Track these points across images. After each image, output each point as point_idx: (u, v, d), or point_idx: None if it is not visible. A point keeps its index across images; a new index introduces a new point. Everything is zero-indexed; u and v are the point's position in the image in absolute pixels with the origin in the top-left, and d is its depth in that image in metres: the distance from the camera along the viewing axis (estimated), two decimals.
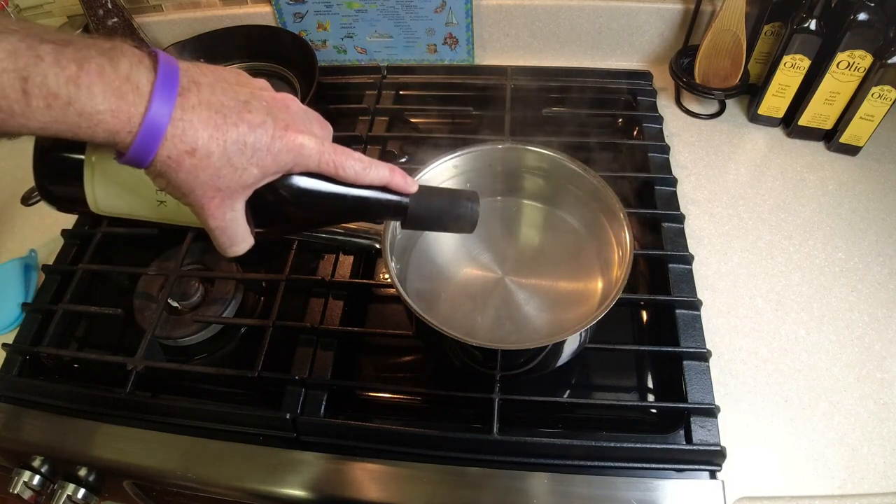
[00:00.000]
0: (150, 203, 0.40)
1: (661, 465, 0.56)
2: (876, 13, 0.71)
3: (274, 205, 0.39)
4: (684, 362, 0.61)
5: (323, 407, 0.61)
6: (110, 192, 0.38)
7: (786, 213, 0.77)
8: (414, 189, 0.44)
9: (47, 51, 0.29)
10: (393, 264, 0.55)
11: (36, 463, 0.64)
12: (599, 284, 0.60)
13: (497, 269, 0.62)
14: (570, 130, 0.86)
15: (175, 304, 0.70)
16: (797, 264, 0.72)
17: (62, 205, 0.41)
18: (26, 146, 0.98)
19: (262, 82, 0.39)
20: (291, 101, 0.38)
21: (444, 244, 0.64)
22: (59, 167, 0.38)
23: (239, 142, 0.34)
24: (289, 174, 0.38)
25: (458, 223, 0.46)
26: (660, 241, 0.71)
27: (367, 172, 0.40)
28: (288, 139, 0.36)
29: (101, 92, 0.30)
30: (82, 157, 0.37)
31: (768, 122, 0.87)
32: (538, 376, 0.62)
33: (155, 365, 0.65)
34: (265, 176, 0.37)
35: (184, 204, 0.36)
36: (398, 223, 0.46)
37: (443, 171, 0.63)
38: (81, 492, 0.63)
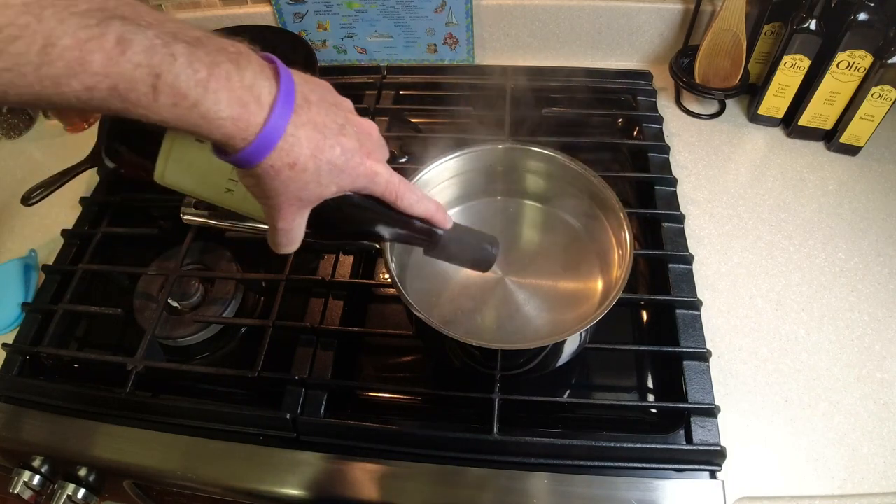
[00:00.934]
0: (216, 188, 0.42)
1: (661, 465, 0.56)
2: (876, 13, 0.71)
3: (330, 215, 0.42)
4: (684, 362, 0.61)
5: (323, 407, 0.61)
6: (181, 167, 0.40)
7: (786, 213, 0.77)
8: (450, 225, 0.48)
9: (181, 51, 0.29)
10: (393, 264, 0.55)
11: (36, 463, 0.64)
12: (599, 284, 0.60)
13: (497, 269, 0.62)
14: (570, 130, 0.86)
15: (175, 304, 0.70)
16: (797, 264, 0.72)
17: (124, 165, 0.42)
18: (27, 146, 0.98)
19: (348, 103, 0.41)
20: (373, 129, 0.41)
21: None
22: (147, 134, 0.38)
23: (331, 162, 0.37)
24: (353, 192, 0.41)
25: (479, 263, 0.52)
26: (660, 241, 0.71)
27: (419, 204, 0.44)
28: (367, 166, 0.39)
29: (227, 98, 0.31)
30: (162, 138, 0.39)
31: (768, 122, 0.87)
32: (538, 376, 0.62)
33: (155, 365, 0.65)
34: (339, 192, 0.39)
35: (262, 204, 0.38)
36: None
37: (443, 171, 0.63)
38: (81, 492, 0.63)
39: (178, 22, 0.31)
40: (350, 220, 0.44)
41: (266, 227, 0.41)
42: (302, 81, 0.37)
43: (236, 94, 0.31)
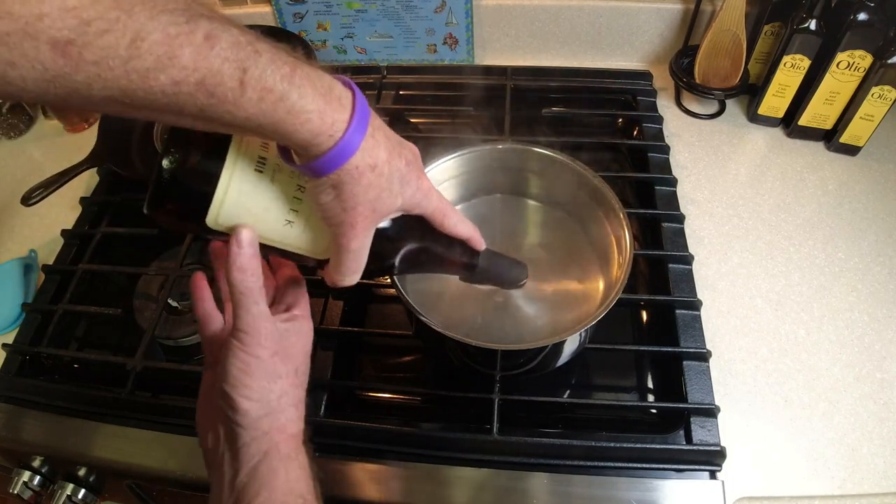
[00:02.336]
0: (276, 223, 0.38)
1: (660, 466, 0.56)
2: (876, 13, 0.71)
3: (386, 241, 0.41)
4: (684, 362, 0.61)
5: (323, 407, 0.61)
6: (240, 204, 0.35)
7: (786, 213, 0.77)
8: (483, 247, 0.49)
9: (264, 48, 0.30)
10: None
11: (36, 463, 0.64)
12: (599, 284, 0.60)
13: None
14: (570, 130, 0.86)
15: (175, 304, 0.70)
16: (797, 264, 0.72)
17: (171, 216, 0.36)
18: (27, 146, 0.98)
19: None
20: (416, 150, 0.42)
21: None
22: (194, 171, 0.34)
23: (400, 171, 0.38)
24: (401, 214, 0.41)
25: (511, 283, 0.55)
26: (660, 241, 0.71)
27: (462, 224, 0.45)
28: (423, 182, 0.41)
29: (311, 94, 0.31)
30: (221, 163, 0.34)
31: (768, 122, 0.87)
32: (538, 376, 0.62)
33: (155, 365, 0.65)
34: (401, 209, 0.40)
35: (333, 225, 0.37)
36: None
37: (443, 172, 0.63)
38: (81, 492, 0.63)
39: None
40: (402, 243, 0.43)
41: (313, 257, 0.40)
42: None
43: (319, 92, 0.32)
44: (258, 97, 0.29)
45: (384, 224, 0.41)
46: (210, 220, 0.35)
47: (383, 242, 0.41)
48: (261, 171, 0.36)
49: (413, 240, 0.44)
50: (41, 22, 0.24)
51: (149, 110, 0.29)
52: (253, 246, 0.36)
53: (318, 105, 0.31)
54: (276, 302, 0.45)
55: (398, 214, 0.41)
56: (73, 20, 0.24)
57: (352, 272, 0.40)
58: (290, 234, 0.38)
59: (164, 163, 0.33)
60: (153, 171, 0.35)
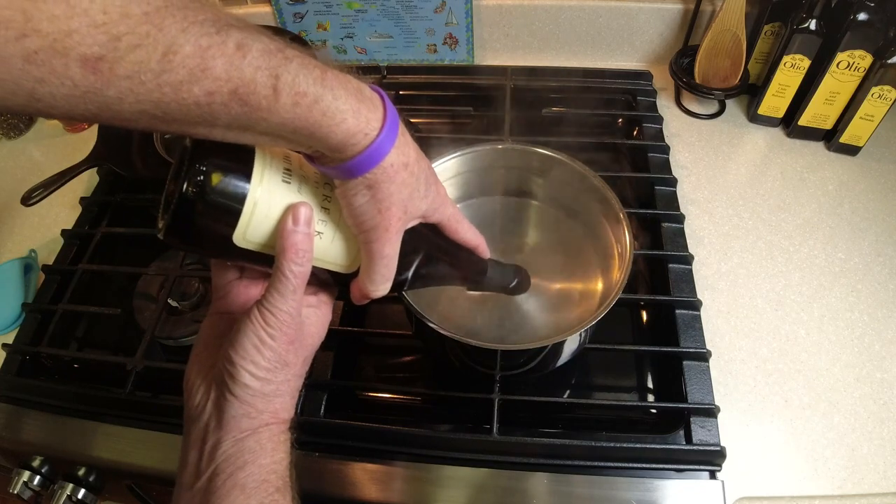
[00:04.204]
0: None
1: (660, 466, 0.56)
2: (876, 13, 0.71)
3: (408, 249, 0.41)
4: (684, 362, 0.61)
5: (323, 407, 0.61)
6: (270, 216, 0.34)
7: (786, 213, 0.77)
8: (488, 255, 0.50)
9: (294, 54, 0.30)
10: None
11: (36, 463, 0.64)
12: (599, 284, 0.60)
13: None
14: (570, 130, 0.86)
15: (175, 304, 0.70)
16: (797, 264, 0.72)
17: (194, 239, 0.34)
18: (27, 146, 0.98)
19: None
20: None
21: None
22: (221, 188, 0.32)
23: (426, 171, 0.38)
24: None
25: (515, 289, 0.55)
26: (660, 241, 0.71)
27: (471, 232, 0.47)
28: (440, 188, 0.41)
29: (345, 95, 0.31)
30: (248, 177, 0.33)
31: (768, 122, 0.87)
32: (538, 376, 0.62)
33: (155, 365, 0.65)
34: (426, 213, 0.40)
35: (366, 230, 0.37)
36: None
37: (443, 172, 0.63)
38: (81, 492, 0.63)
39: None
40: (414, 256, 0.43)
41: (341, 271, 0.40)
42: None
43: (351, 92, 0.32)
44: (292, 102, 0.29)
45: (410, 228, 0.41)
46: (238, 236, 0.34)
47: (411, 246, 0.41)
48: (288, 182, 0.35)
49: (424, 252, 0.43)
50: (70, 39, 0.24)
51: (181, 123, 0.29)
52: (309, 225, 0.35)
53: (352, 105, 0.32)
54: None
55: (417, 222, 0.40)
56: (102, 36, 0.24)
57: (385, 279, 0.39)
58: (319, 246, 0.37)
59: (185, 184, 0.31)
60: (167, 192, 0.33)
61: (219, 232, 0.33)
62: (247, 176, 0.33)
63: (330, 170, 0.34)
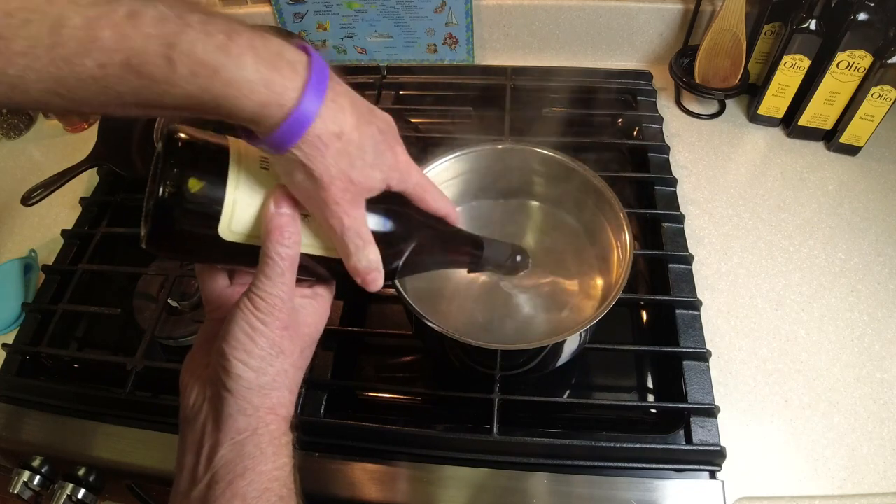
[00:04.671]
0: None
1: (660, 466, 0.56)
2: (876, 13, 0.71)
3: (384, 242, 0.39)
4: (684, 362, 0.61)
5: (323, 407, 0.61)
6: (252, 203, 0.34)
7: (786, 213, 0.77)
8: (458, 224, 0.47)
9: (195, 20, 0.28)
10: None
11: (36, 463, 0.64)
12: (599, 284, 0.60)
13: None
14: (570, 130, 0.86)
15: (175, 304, 0.70)
16: (797, 264, 0.72)
17: (178, 242, 0.33)
18: (27, 146, 0.98)
19: None
20: (392, 120, 0.39)
21: None
22: (198, 186, 0.32)
23: (374, 137, 0.35)
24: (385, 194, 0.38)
25: (515, 268, 0.54)
26: (660, 241, 0.71)
27: (442, 200, 0.43)
28: (401, 156, 0.38)
29: (253, 62, 0.29)
30: (225, 176, 0.33)
31: (768, 122, 0.86)
32: (538, 376, 0.62)
33: (155, 365, 0.65)
34: (382, 183, 0.37)
35: (316, 206, 0.35)
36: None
37: (443, 172, 0.63)
38: (81, 492, 0.63)
39: (194, 1, 0.30)
40: (403, 242, 0.41)
41: (331, 254, 0.38)
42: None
43: (264, 59, 0.30)
44: (190, 72, 0.28)
45: (384, 225, 0.39)
46: (223, 228, 0.33)
47: (383, 245, 0.40)
48: (266, 169, 0.35)
49: (416, 236, 0.42)
50: None
51: (89, 103, 0.28)
52: (291, 208, 0.34)
53: (263, 74, 0.29)
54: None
55: (377, 191, 0.37)
56: None
57: (361, 250, 0.37)
58: (311, 228, 0.37)
59: (161, 188, 0.31)
60: (146, 199, 0.32)
61: (203, 229, 0.33)
62: (223, 168, 0.33)
63: (259, 144, 0.32)
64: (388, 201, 0.40)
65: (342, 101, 0.33)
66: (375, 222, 0.38)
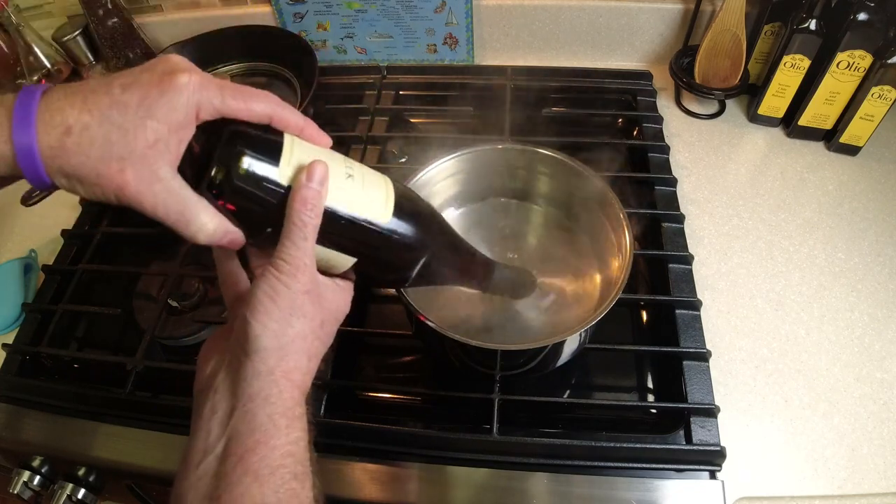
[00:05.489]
0: (339, 172, 0.38)
1: (660, 466, 0.56)
2: (876, 13, 0.71)
3: (400, 250, 0.41)
4: (684, 362, 0.61)
5: (323, 407, 0.61)
6: (307, 147, 0.37)
7: (786, 213, 0.77)
8: (285, 128, 0.39)
9: None
10: None
11: (36, 463, 0.64)
12: (599, 285, 0.60)
13: None
14: (570, 130, 0.86)
15: (175, 304, 0.70)
16: (797, 264, 0.72)
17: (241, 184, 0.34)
18: None
19: (165, 60, 0.36)
20: (173, 56, 0.35)
21: None
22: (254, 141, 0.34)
23: (115, 103, 0.32)
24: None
25: (523, 292, 0.57)
26: (660, 241, 0.71)
27: (264, 104, 0.36)
28: (166, 80, 0.33)
29: None
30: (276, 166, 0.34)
31: (768, 122, 0.87)
32: (538, 376, 0.62)
33: (155, 365, 0.65)
34: (172, 129, 0.33)
35: (99, 195, 0.33)
36: None
37: (442, 172, 0.63)
38: (81, 492, 0.63)
39: None
40: (417, 254, 0.42)
41: (375, 219, 0.39)
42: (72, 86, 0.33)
43: None
44: None
45: (403, 229, 0.40)
46: (283, 160, 0.35)
47: (399, 252, 0.41)
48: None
49: (430, 251, 0.43)
50: None
51: None
52: (322, 184, 0.35)
53: None
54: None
55: (186, 129, 0.34)
56: None
57: (187, 224, 0.34)
58: (354, 186, 0.38)
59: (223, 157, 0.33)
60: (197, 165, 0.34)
61: (265, 165, 0.34)
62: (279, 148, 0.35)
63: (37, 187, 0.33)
64: (412, 216, 0.41)
65: (61, 104, 0.32)
66: (400, 227, 0.40)
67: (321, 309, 0.38)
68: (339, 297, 0.40)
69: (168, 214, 0.34)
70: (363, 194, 0.38)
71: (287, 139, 0.36)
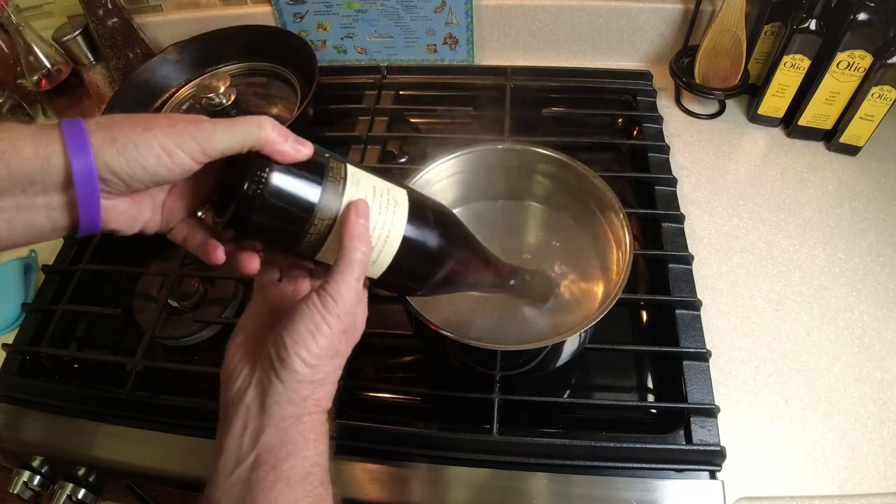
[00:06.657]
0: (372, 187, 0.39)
1: (660, 466, 0.56)
2: (876, 13, 0.71)
3: (423, 257, 0.42)
4: (684, 362, 0.61)
5: None
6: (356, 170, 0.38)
7: (786, 213, 0.77)
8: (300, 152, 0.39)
9: None
10: None
11: (36, 463, 0.64)
12: (599, 285, 0.60)
13: None
14: (570, 130, 0.86)
15: (175, 304, 0.70)
16: (797, 264, 0.72)
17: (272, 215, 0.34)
18: None
19: None
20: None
21: None
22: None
23: (149, 126, 0.33)
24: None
25: (542, 297, 0.58)
26: (660, 241, 0.71)
27: (234, 131, 0.35)
28: (155, 130, 0.33)
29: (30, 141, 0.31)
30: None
31: (768, 122, 0.87)
32: (538, 376, 0.62)
33: (155, 365, 0.65)
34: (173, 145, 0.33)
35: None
36: None
37: (442, 172, 0.63)
38: (81, 492, 0.63)
39: None
40: (441, 262, 0.43)
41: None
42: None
43: (29, 134, 0.31)
44: None
45: (427, 238, 0.40)
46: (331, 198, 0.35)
47: (422, 260, 0.41)
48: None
49: (452, 260, 0.43)
50: None
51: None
52: (367, 219, 0.36)
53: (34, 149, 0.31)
54: None
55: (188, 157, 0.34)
56: None
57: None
58: (396, 211, 0.39)
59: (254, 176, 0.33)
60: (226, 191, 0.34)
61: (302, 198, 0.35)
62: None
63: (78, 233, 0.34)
64: (435, 222, 0.41)
65: (101, 133, 0.32)
66: (421, 235, 0.40)
67: (352, 341, 0.39)
68: (361, 319, 0.41)
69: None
70: (400, 217, 0.39)
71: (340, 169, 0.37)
